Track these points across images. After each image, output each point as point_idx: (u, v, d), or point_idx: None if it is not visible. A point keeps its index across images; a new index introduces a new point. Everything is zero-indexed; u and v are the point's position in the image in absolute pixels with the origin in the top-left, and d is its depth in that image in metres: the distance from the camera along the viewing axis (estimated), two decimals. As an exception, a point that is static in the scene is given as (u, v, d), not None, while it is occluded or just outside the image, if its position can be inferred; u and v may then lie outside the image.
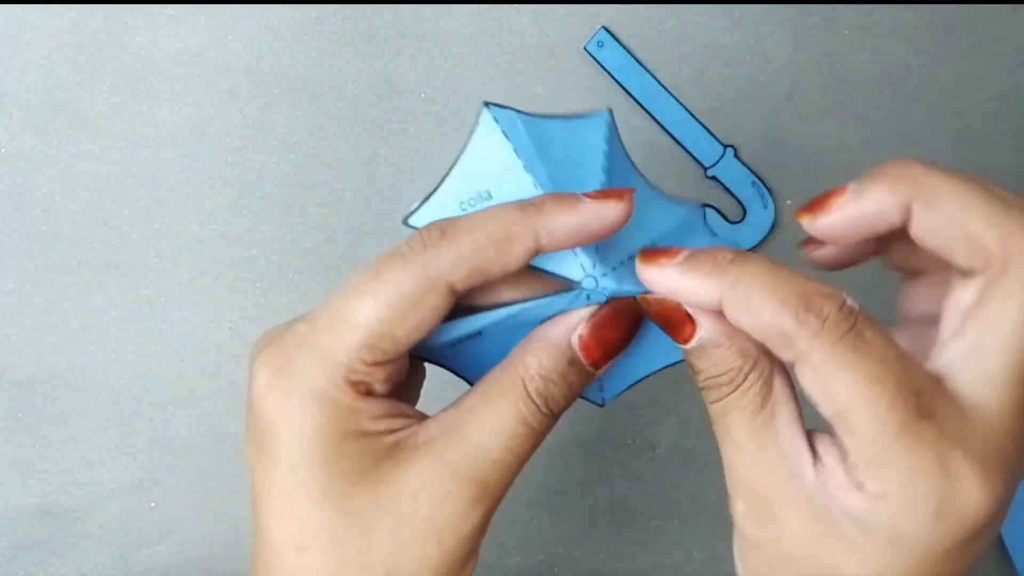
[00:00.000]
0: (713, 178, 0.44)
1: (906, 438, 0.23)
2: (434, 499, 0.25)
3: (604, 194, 0.26)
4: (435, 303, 0.25)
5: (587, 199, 0.26)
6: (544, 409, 0.27)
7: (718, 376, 0.26)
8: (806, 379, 0.25)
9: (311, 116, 0.44)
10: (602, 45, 0.43)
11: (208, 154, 0.44)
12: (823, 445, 0.25)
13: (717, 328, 0.26)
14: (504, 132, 0.29)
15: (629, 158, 0.30)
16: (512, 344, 0.28)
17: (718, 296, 0.25)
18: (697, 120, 0.44)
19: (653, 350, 0.29)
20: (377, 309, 0.25)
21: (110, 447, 0.44)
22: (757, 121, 0.44)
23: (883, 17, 0.44)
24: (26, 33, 0.43)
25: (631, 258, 0.27)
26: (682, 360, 0.28)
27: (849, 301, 0.24)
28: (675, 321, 0.26)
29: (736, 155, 0.44)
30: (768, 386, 0.26)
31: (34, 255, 0.44)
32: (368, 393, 0.26)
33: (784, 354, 0.25)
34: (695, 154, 0.44)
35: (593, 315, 0.27)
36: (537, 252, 0.26)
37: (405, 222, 0.29)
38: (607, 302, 0.27)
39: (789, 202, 0.44)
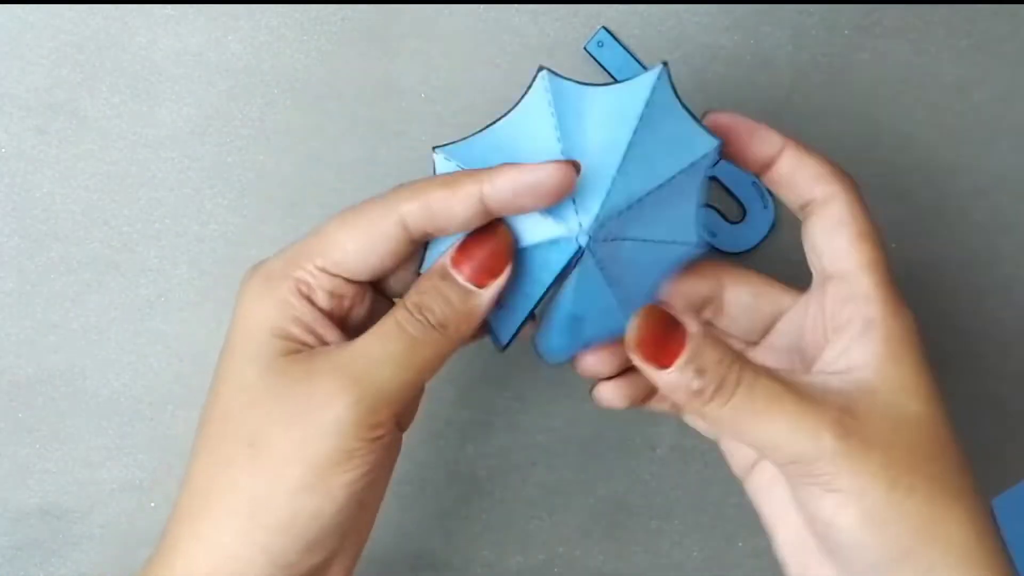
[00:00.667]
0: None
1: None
2: (313, 389, 0.28)
3: (552, 164, 0.29)
4: (386, 230, 0.30)
5: (535, 165, 0.29)
6: (420, 316, 0.29)
7: (720, 362, 0.29)
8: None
9: (311, 116, 0.44)
10: (602, 45, 0.43)
11: (208, 154, 0.44)
12: None
13: (699, 322, 0.30)
14: (551, 101, 0.31)
15: (678, 107, 0.32)
16: (517, 286, 0.31)
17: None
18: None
19: (530, 284, 0.32)
20: (342, 225, 0.30)
21: (110, 447, 0.44)
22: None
23: (883, 17, 0.44)
24: (26, 33, 0.43)
25: (630, 207, 0.30)
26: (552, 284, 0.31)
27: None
28: (667, 324, 0.29)
29: (736, 155, 0.44)
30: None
31: (34, 255, 0.43)
32: (307, 298, 0.30)
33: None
34: (695, 154, 0.44)
35: (464, 237, 0.31)
36: (482, 203, 0.29)
37: (433, 148, 0.32)
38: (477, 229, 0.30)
39: (789, 202, 0.44)
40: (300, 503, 0.28)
